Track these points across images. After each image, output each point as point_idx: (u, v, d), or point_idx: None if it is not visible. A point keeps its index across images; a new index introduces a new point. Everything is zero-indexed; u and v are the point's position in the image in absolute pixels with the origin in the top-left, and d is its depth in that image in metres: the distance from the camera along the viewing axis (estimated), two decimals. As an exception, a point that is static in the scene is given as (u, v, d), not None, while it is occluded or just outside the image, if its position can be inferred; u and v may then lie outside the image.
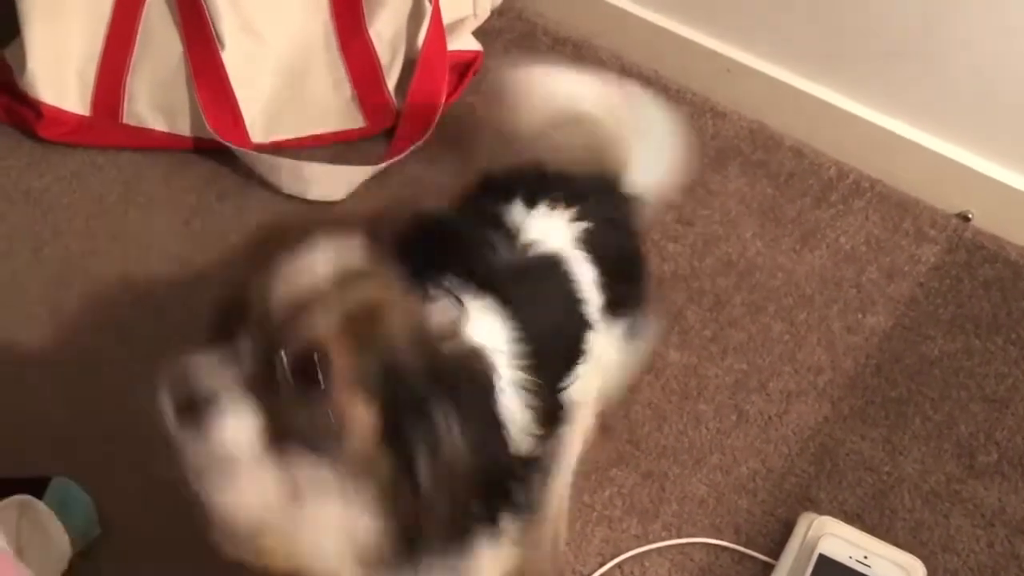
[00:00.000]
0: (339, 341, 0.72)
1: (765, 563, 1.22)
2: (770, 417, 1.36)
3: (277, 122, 1.58)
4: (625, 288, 1.07)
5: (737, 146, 1.68)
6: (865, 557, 1.19)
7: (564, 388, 0.96)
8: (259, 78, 1.56)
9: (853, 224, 1.59)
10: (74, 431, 1.27)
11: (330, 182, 1.54)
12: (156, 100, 1.54)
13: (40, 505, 1.15)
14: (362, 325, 0.73)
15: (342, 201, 1.54)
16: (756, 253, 1.55)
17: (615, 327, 1.06)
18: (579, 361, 0.99)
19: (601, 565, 1.21)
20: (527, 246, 0.96)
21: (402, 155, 1.58)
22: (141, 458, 1.24)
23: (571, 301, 0.99)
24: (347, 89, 1.61)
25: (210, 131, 1.52)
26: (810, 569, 1.18)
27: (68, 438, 1.27)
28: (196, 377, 0.72)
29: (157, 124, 1.55)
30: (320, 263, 0.74)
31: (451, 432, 0.75)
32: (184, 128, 1.55)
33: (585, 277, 1.00)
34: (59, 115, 1.53)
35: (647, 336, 1.15)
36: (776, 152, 1.67)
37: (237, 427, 0.72)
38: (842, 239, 1.57)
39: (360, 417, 0.73)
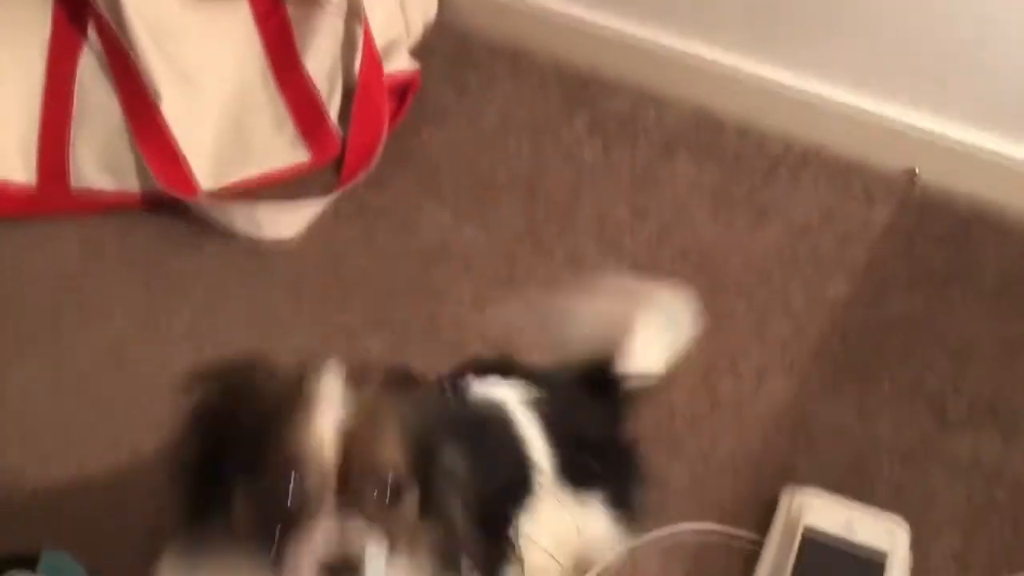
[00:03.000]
0: (398, 455, 0.82)
1: (753, 541, 1.25)
2: (743, 397, 1.38)
3: (224, 167, 1.59)
4: (588, 463, 1.13)
5: (682, 133, 1.70)
6: (849, 524, 1.21)
7: (506, 523, 1.02)
8: (200, 126, 1.57)
9: (804, 196, 1.61)
10: (60, 503, 1.28)
11: (284, 220, 1.55)
12: (102, 161, 1.55)
13: (36, 579, 1.16)
14: (401, 436, 0.82)
15: (297, 238, 1.55)
16: (712, 237, 1.57)
17: (579, 497, 1.12)
18: (525, 498, 1.05)
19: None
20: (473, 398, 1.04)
21: (351, 184, 1.60)
22: (128, 525, 1.25)
23: (510, 440, 1.05)
24: (289, 126, 1.62)
25: (159, 185, 1.53)
26: (797, 542, 1.20)
27: (54, 510, 1.27)
28: (337, 544, 0.77)
29: (106, 185, 1.56)
30: (332, 405, 0.80)
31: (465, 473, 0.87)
32: (133, 186, 1.56)
33: (528, 430, 1.07)
34: (4, 190, 1.53)
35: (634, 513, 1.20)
36: (721, 135, 1.69)
37: (380, 562, 0.79)
38: (794, 212, 1.59)
39: (412, 506, 0.83)
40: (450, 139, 1.69)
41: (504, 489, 1.03)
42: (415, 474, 0.83)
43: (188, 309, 1.47)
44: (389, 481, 0.80)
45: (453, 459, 0.86)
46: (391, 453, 0.81)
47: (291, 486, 0.78)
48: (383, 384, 0.84)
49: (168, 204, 1.56)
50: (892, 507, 1.26)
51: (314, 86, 1.62)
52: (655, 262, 1.53)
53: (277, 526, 0.78)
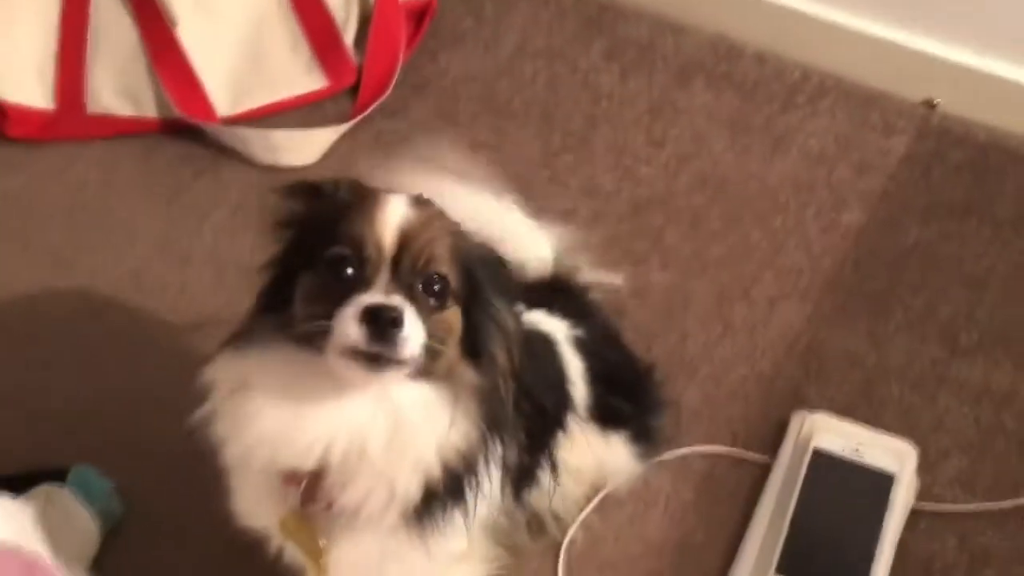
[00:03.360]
0: (449, 257, 0.85)
1: (762, 464, 1.27)
2: (755, 324, 1.40)
3: (241, 93, 1.59)
4: (618, 405, 1.17)
5: (700, 60, 1.68)
6: (858, 447, 1.24)
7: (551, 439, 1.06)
8: (217, 51, 1.57)
9: (821, 125, 1.60)
10: (86, 418, 1.31)
11: (301, 147, 1.55)
12: (119, 86, 1.55)
13: (65, 493, 1.18)
14: (453, 243, 0.86)
15: (314, 164, 1.56)
16: (728, 165, 1.57)
17: (605, 435, 1.16)
18: (560, 426, 1.08)
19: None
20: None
21: (367, 111, 1.59)
22: (152, 442, 1.29)
23: (558, 371, 1.09)
24: (305, 51, 1.61)
25: (176, 111, 1.54)
26: (806, 464, 1.22)
27: (81, 426, 1.30)
28: (378, 297, 0.81)
29: (123, 110, 1.56)
30: (399, 204, 0.86)
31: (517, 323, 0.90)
32: (151, 111, 1.56)
33: (573, 364, 1.11)
34: (24, 113, 1.54)
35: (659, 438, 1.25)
36: (739, 62, 1.68)
37: (416, 333, 0.82)
38: (811, 141, 1.59)
39: (459, 317, 0.86)
40: (466, 65, 1.68)
41: (546, 413, 1.04)
42: (462, 298, 0.86)
43: (208, 233, 1.49)
44: (436, 280, 0.84)
45: (506, 312, 0.88)
46: (442, 255, 0.84)
47: (350, 263, 0.83)
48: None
49: (186, 129, 1.56)
50: (901, 432, 1.28)
51: (330, 12, 1.61)
52: (671, 190, 1.54)
53: (333, 301, 0.82)
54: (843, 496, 1.21)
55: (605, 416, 1.16)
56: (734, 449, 1.29)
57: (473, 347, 0.87)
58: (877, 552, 1.16)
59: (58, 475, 1.21)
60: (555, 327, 1.12)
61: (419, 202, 0.87)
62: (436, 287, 0.84)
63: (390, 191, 0.88)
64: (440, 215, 0.88)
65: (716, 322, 1.40)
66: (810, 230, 1.49)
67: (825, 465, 1.22)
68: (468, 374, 0.87)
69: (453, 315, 0.86)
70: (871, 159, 1.56)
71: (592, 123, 1.62)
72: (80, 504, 1.18)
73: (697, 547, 1.21)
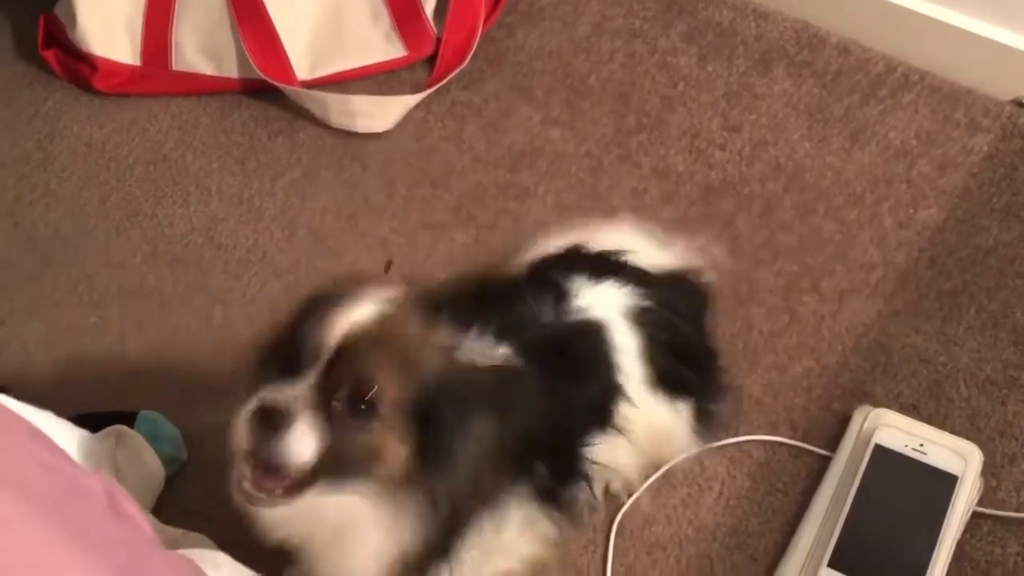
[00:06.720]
0: (388, 376, 0.83)
1: (822, 456, 1.25)
2: (823, 316, 1.37)
3: (321, 58, 1.61)
4: (684, 371, 1.14)
5: (782, 47, 1.66)
6: (921, 445, 1.21)
7: (583, 448, 1.04)
8: (300, 16, 1.59)
9: (903, 119, 1.57)
10: (153, 367, 1.35)
11: (377, 113, 1.57)
12: (203, 45, 1.58)
13: (134, 433, 1.22)
14: (403, 361, 0.85)
15: (389, 132, 1.57)
16: (805, 155, 1.54)
17: (671, 404, 1.13)
18: (605, 424, 1.05)
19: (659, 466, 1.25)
20: (572, 311, 1.03)
21: (444, 81, 1.60)
22: (219, 386, 1.31)
23: (601, 366, 1.05)
24: (386, 20, 1.62)
25: (257, 71, 1.56)
26: (866, 459, 1.20)
27: (149, 372, 1.34)
28: (275, 396, 0.82)
29: (205, 69, 1.59)
30: (363, 309, 0.86)
31: (475, 442, 0.86)
32: (232, 71, 1.59)
33: (627, 347, 1.07)
34: (112, 67, 1.58)
35: (718, 422, 1.23)
36: (822, 50, 1.64)
37: (304, 440, 0.82)
38: (892, 134, 1.55)
39: (397, 441, 0.85)
40: (544, 41, 1.68)
41: (584, 410, 1.04)
42: (416, 416, 0.84)
43: (280, 193, 1.51)
44: (357, 390, 0.82)
45: (483, 429, 0.86)
46: (374, 367, 0.83)
47: (294, 360, 0.84)
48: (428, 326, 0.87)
49: (265, 90, 1.59)
50: (967, 433, 1.25)
51: (411, -20, 1.62)
52: (744, 177, 1.52)
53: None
54: (903, 494, 1.19)
55: (673, 385, 1.12)
56: (794, 440, 1.27)
57: (431, 456, 0.85)
58: (934, 553, 1.14)
59: (127, 418, 1.24)
60: (613, 302, 1.08)
61: (392, 311, 0.86)
62: (358, 396, 0.82)
63: (370, 295, 0.87)
64: (401, 326, 0.86)
65: (783, 312, 1.38)
66: (885, 224, 1.46)
67: (886, 461, 1.20)
68: (419, 478, 0.85)
69: (382, 441, 0.84)
70: (953, 156, 1.52)
71: (668, 105, 1.60)
72: (148, 448, 1.22)
73: (749, 535, 1.21)
